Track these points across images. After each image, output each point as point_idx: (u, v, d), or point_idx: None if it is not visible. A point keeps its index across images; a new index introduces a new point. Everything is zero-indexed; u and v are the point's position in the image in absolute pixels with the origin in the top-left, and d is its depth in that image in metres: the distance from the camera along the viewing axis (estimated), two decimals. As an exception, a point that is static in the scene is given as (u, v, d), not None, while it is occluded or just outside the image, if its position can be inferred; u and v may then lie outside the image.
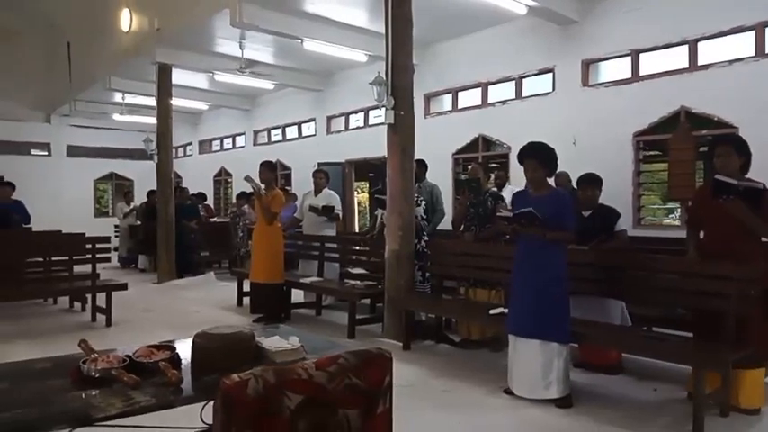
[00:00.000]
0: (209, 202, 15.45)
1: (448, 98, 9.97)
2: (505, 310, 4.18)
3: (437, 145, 9.03)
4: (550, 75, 8.32)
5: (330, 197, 7.27)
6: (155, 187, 10.46)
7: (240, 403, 1.36)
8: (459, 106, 9.74)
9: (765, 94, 6.14)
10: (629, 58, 7.47)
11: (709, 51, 6.73)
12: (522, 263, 3.91)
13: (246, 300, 7.12)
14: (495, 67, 8.95)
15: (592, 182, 4.74)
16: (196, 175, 16.62)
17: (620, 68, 7.61)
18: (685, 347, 3.72)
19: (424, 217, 5.99)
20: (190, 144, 17.79)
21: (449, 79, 9.69)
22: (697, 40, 6.80)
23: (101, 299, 6.43)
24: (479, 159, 8.76)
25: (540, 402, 3.73)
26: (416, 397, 3.93)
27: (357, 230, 12.57)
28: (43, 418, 1.80)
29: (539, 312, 3.74)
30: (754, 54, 6.36)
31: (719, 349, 3.45)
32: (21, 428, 1.73)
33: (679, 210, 8.66)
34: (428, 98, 10.08)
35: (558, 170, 4.47)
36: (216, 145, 16.84)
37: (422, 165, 6.53)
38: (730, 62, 6.52)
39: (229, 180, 15.96)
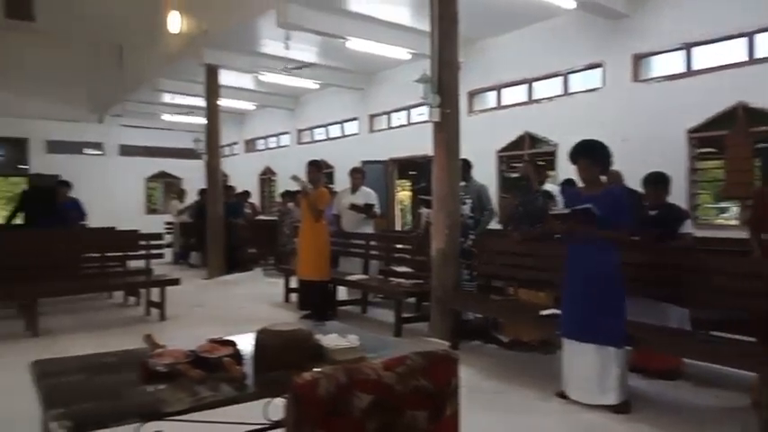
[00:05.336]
0: (255, 199, 15.72)
1: (492, 95, 9.86)
2: (557, 312, 4.10)
3: (480, 143, 8.93)
4: (600, 70, 8.12)
5: (368, 195, 7.36)
6: (202, 185, 10.72)
7: (311, 402, 1.37)
8: (504, 103, 9.61)
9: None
10: (682, 52, 7.22)
11: (769, 43, 6.44)
12: (575, 264, 3.80)
13: (293, 296, 7.22)
14: (541, 62, 8.79)
15: (657, 182, 4.52)
16: (241, 173, 16.93)
17: (673, 63, 7.36)
18: (751, 353, 3.56)
19: (471, 215, 5.93)
20: (236, 143, 18.14)
21: (493, 76, 9.57)
22: (754, 33, 6.51)
23: (154, 293, 6.63)
24: (525, 157, 8.62)
25: (595, 407, 3.64)
26: (466, 398, 3.86)
27: (399, 228, 12.55)
28: (116, 411, 1.86)
29: (592, 315, 3.64)
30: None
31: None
32: (96, 421, 1.80)
33: (735, 208, 8.33)
34: (471, 95, 9.98)
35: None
36: (261, 144, 17.13)
37: (466, 163, 6.45)
38: (794, 54, 6.23)
39: (274, 178, 16.20)
